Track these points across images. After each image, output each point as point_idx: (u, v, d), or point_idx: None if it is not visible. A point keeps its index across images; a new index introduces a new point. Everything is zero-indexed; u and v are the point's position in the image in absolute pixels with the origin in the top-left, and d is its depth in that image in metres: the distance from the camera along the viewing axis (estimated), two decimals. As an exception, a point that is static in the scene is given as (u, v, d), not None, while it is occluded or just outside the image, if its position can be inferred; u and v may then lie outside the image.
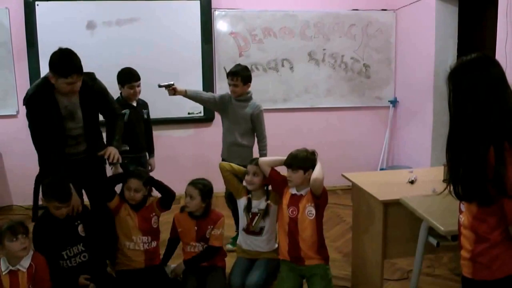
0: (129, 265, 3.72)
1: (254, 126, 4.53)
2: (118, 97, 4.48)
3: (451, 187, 2.07)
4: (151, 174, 4.42)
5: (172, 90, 4.40)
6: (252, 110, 4.48)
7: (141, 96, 4.63)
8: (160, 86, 4.40)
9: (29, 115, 3.58)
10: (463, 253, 2.12)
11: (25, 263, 3.15)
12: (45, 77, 3.54)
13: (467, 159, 1.97)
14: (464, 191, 2.01)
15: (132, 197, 3.67)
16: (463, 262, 2.12)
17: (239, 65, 4.56)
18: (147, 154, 4.80)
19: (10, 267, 3.12)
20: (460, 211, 2.16)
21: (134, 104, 4.56)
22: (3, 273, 3.11)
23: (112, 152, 3.66)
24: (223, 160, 4.58)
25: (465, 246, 2.11)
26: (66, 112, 3.60)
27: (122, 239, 3.73)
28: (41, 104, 3.50)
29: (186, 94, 4.47)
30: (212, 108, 4.68)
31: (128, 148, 4.50)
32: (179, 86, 4.41)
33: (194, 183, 3.73)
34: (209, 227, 3.72)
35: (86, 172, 3.81)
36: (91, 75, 3.76)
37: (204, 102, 4.63)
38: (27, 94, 3.59)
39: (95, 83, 3.76)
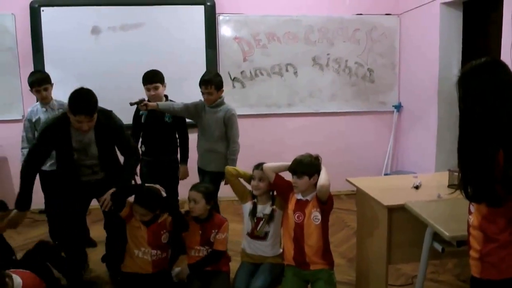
0: (136, 269, 3.73)
1: (226, 129, 4.45)
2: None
3: (461, 188, 2.09)
4: (182, 182, 4.55)
5: (143, 105, 4.38)
6: (224, 114, 4.40)
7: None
8: (131, 104, 4.45)
9: (37, 139, 3.82)
10: (472, 253, 2.13)
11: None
12: (65, 111, 3.69)
13: (476, 160, 1.99)
14: (474, 192, 2.04)
15: (140, 218, 3.69)
16: (472, 262, 2.13)
17: (209, 72, 4.53)
18: (176, 160, 4.75)
19: None
20: (470, 212, 2.17)
21: None
22: None
23: (107, 200, 3.68)
24: (198, 168, 4.61)
25: (473, 246, 2.12)
26: (79, 145, 3.75)
27: (131, 246, 3.74)
28: (53, 134, 3.69)
29: (158, 108, 4.43)
30: (186, 116, 4.56)
31: (144, 149, 4.57)
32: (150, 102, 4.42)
33: (196, 187, 3.76)
34: (213, 231, 3.73)
35: (103, 191, 3.79)
36: (107, 113, 3.83)
37: (177, 112, 4.53)
38: (45, 123, 3.91)
39: (110, 122, 3.83)
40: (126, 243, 3.80)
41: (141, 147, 4.63)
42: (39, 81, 4.56)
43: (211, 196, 3.75)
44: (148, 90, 4.51)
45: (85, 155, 3.80)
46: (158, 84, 4.52)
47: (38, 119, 4.61)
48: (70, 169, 3.83)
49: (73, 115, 3.54)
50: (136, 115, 4.68)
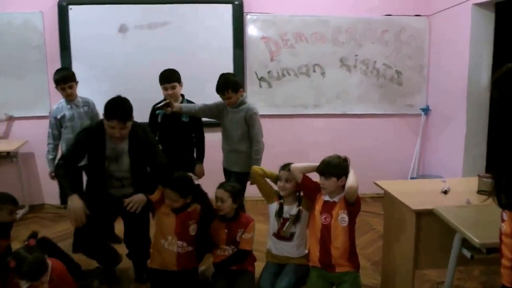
0: (163, 264, 3.73)
1: (248, 129, 4.41)
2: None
3: (494, 195, 2.05)
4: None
5: (168, 108, 4.40)
6: (245, 113, 4.36)
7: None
8: (157, 108, 4.49)
9: (74, 141, 3.90)
10: (503, 261, 2.10)
11: (45, 279, 3.14)
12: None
13: (510, 168, 1.95)
14: (508, 200, 2.00)
15: (169, 204, 3.68)
16: (504, 271, 2.10)
17: (222, 76, 4.38)
18: (193, 159, 4.78)
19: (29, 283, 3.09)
20: (502, 219, 2.14)
21: None
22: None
23: (133, 201, 3.74)
24: (224, 168, 4.62)
25: (505, 255, 2.09)
26: (111, 153, 3.81)
27: (158, 236, 3.75)
28: (89, 139, 3.79)
29: (182, 111, 4.46)
30: (209, 117, 4.56)
31: (160, 148, 4.47)
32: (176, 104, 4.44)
33: (223, 186, 3.77)
34: (239, 230, 3.73)
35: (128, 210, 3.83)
36: (144, 128, 3.98)
37: (199, 113, 4.55)
38: (83, 127, 4.12)
39: (146, 136, 3.94)
40: (149, 242, 3.85)
41: None
42: (64, 79, 4.62)
43: (237, 195, 3.75)
44: (165, 89, 4.52)
45: (116, 165, 3.83)
46: (176, 84, 4.52)
47: (63, 116, 4.67)
48: (100, 177, 3.86)
49: (107, 120, 3.65)
50: (153, 115, 4.67)
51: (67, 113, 4.67)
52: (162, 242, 3.71)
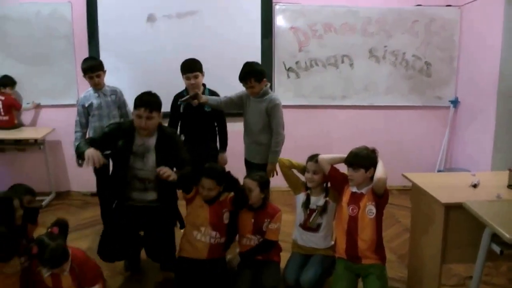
0: (192, 253, 3.74)
1: (270, 120, 4.33)
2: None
3: None
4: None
5: (195, 101, 4.37)
6: (268, 104, 4.29)
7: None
8: (182, 101, 4.44)
9: (104, 129, 3.99)
10: None
11: (66, 267, 3.18)
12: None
13: None
14: None
15: (206, 195, 3.69)
16: None
17: (246, 65, 4.33)
18: (216, 148, 4.79)
19: (51, 271, 3.15)
20: None
21: None
22: (45, 275, 3.17)
23: (167, 171, 3.65)
24: (245, 160, 4.60)
25: None
26: (138, 149, 3.81)
27: (190, 228, 3.76)
28: (119, 131, 3.83)
29: (208, 102, 4.44)
30: (233, 109, 4.54)
31: (183, 138, 4.56)
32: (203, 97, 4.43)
33: (251, 176, 3.80)
34: (266, 220, 3.74)
35: (149, 223, 3.84)
36: (173, 130, 4.11)
37: (223, 107, 4.52)
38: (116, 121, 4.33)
39: (174, 135, 4.01)
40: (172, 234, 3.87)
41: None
42: (92, 68, 4.67)
43: (265, 185, 3.77)
44: (188, 79, 4.50)
45: (141, 162, 3.79)
46: (198, 73, 4.50)
47: (91, 104, 4.72)
48: (123, 176, 3.81)
49: (135, 109, 3.73)
50: (174, 105, 4.64)
51: (95, 101, 4.72)
52: (194, 234, 3.71)
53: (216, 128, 4.77)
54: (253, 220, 3.75)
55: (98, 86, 4.74)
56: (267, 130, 4.36)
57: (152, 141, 3.83)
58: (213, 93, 4.63)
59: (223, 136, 4.79)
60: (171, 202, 3.96)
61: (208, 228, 3.69)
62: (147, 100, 3.72)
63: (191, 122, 4.64)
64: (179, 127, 4.69)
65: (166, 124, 4.15)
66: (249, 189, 3.70)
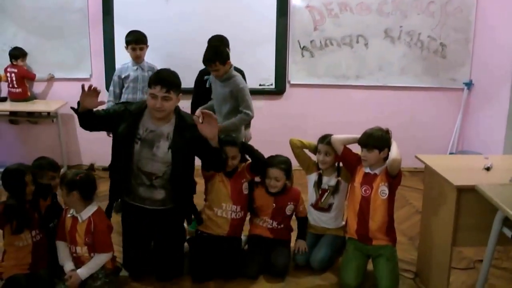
0: (213, 229, 3.75)
1: (238, 104, 4.12)
2: None
3: None
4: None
5: None
6: (232, 88, 4.10)
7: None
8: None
9: (113, 106, 3.82)
10: None
11: (84, 214, 3.29)
12: None
13: None
14: None
15: (230, 164, 3.69)
16: None
17: (211, 47, 4.20)
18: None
19: (74, 213, 3.29)
20: None
21: None
22: (68, 216, 3.31)
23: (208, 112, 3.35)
24: None
25: None
26: (146, 135, 3.44)
27: (211, 205, 3.76)
28: (127, 109, 3.50)
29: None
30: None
31: None
32: None
33: (277, 165, 3.71)
34: (289, 203, 3.75)
35: (159, 226, 3.61)
36: (193, 118, 3.40)
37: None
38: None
39: (193, 125, 3.38)
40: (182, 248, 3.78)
41: None
42: (137, 40, 4.75)
43: (290, 171, 3.76)
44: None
45: (149, 152, 3.42)
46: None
47: (128, 76, 4.80)
48: (125, 166, 3.46)
49: (150, 88, 3.36)
50: (200, 80, 4.58)
51: (132, 73, 4.81)
52: (215, 211, 3.73)
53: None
54: (274, 205, 3.75)
55: (138, 59, 4.82)
56: (236, 113, 4.16)
57: (167, 128, 3.45)
58: (238, 70, 4.40)
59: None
60: (183, 201, 3.63)
61: (230, 203, 3.71)
62: (165, 78, 3.35)
63: (218, 98, 4.42)
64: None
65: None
66: (276, 178, 3.68)
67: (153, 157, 3.42)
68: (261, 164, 3.74)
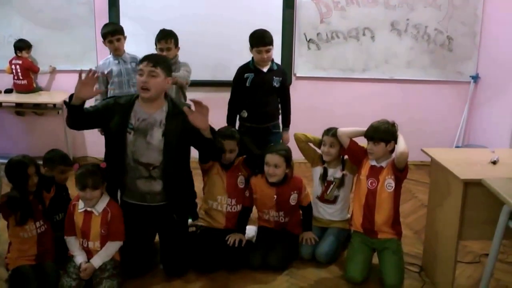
0: (210, 223, 3.78)
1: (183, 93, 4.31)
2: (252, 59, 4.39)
3: None
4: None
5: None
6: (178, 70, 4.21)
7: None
8: None
9: (97, 105, 3.57)
10: None
11: (99, 207, 3.31)
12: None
13: None
14: None
15: (228, 157, 3.70)
16: None
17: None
18: (279, 126, 4.53)
19: (86, 208, 3.29)
20: None
21: (264, 69, 4.34)
22: (79, 211, 3.31)
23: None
24: None
25: None
26: (140, 125, 3.41)
27: (207, 199, 3.79)
28: (118, 102, 3.48)
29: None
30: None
31: (246, 115, 4.36)
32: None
33: (276, 151, 3.65)
34: (292, 193, 3.72)
35: (162, 223, 3.59)
36: (184, 109, 3.33)
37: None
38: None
39: (184, 105, 3.44)
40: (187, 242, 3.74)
41: (242, 113, 4.40)
42: (112, 32, 4.59)
43: (290, 158, 3.71)
44: (258, 53, 4.29)
45: (144, 141, 3.38)
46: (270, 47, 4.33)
47: (110, 71, 4.65)
48: (120, 158, 3.43)
49: (137, 66, 3.44)
50: (240, 77, 4.36)
51: (115, 68, 4.66)
52: (210, 204, 3.75)
53: (279, 104, 4.52)
54: (275, 196, 3.68)
55: (118, 52, 4.65)
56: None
57: (159, 115, 3.41)
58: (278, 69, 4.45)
59: (287, 112, 4.55)
60: (181, 192, 3.59)
61: (225, 196, 3.72)
62: (152, 55, 3.44)
63: (259, 97, 4.34)
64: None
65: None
66: (275, 165, 3.60)
67: (148, 146, 3.38)
68: (255, 161, 3.77)
